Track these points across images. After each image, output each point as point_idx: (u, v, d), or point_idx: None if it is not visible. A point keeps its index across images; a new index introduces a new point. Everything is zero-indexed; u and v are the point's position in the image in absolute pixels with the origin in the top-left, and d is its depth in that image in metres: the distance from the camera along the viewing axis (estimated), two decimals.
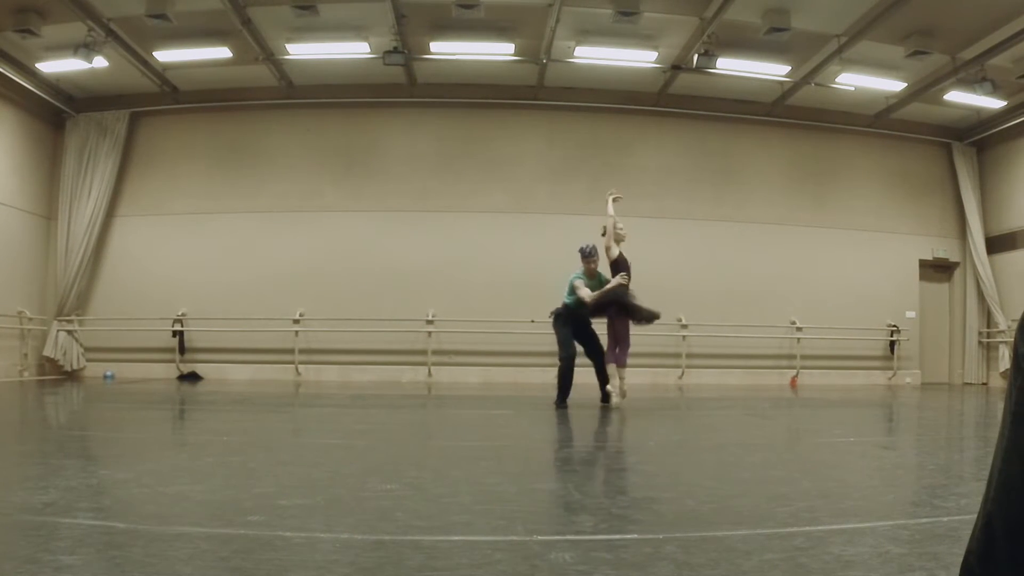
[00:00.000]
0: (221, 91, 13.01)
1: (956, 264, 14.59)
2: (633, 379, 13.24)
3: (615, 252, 7.68)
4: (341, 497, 2.98)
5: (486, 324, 12.70)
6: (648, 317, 7.56)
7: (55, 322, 12.70)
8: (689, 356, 13.10)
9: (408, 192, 13.20)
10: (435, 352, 12.84)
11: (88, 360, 12.97)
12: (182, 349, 12.81)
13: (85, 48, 10.51)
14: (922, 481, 3.81)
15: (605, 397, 7.71)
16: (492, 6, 10.36)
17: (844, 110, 13.68)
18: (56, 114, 13.05)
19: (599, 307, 7.50)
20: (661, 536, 2.42)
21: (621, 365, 7.63)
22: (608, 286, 7.48)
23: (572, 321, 7.67)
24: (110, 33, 10.65)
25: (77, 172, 12.97)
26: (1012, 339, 1.23)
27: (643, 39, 11.20)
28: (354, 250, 12.99)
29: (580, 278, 7.66)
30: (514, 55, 11.81)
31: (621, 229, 7.83)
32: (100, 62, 11.04)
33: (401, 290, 12.81)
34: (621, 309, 7.52)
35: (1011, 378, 1.22)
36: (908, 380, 13.80)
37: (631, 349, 7.79)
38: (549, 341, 12.88)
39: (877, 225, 14.00)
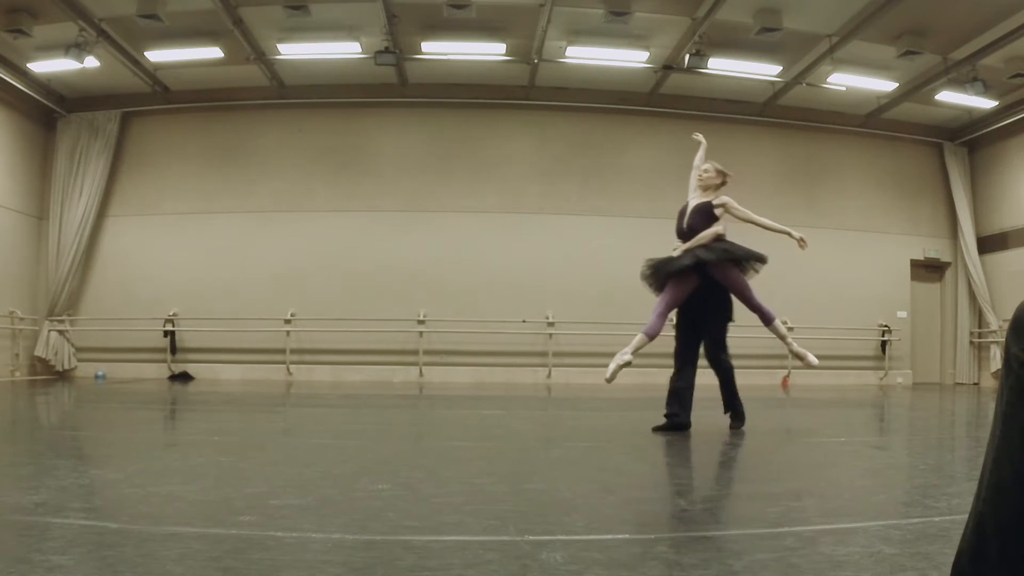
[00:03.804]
0: (212, 91, 12.96)
1: (948, 264, 14.64)
2: (624, 378, 13.32)
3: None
4: (332, 497, 2.97)
5: (477, 324, 12.69)
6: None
7: (46, 322, 12.63)
8: None
9: (399, 192, 13.18)
10: (426, 352, 12.82)
11: (79, 360, 12.91)
12: (173, 349, 12.76)
13: (76, 48, 10.46)
14: (913, 481, 3.82)
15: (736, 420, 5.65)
16: (483, 6, 10.35)
17: (835, 110, 13.71)
18: (47, 114, 12.99)
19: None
20: (652, 536, 2.43)
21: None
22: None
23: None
24: (101, 33, 10.60)
25: (68, 172, 12.91)
26: (1003, 339, 1.23)
27: (634, 39, 11.20)
28: (345, 250, 12.96)
29: None
30: (505, 55, 11.81)
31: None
32: (91, 62, 10.99)
33: (392, 290, 12.78)
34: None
35: (1002, 378, 1.22)
36: (899, 380, 13.85)
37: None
38: (542, 341, 13.03)
39: (868, 225, 14.03)
